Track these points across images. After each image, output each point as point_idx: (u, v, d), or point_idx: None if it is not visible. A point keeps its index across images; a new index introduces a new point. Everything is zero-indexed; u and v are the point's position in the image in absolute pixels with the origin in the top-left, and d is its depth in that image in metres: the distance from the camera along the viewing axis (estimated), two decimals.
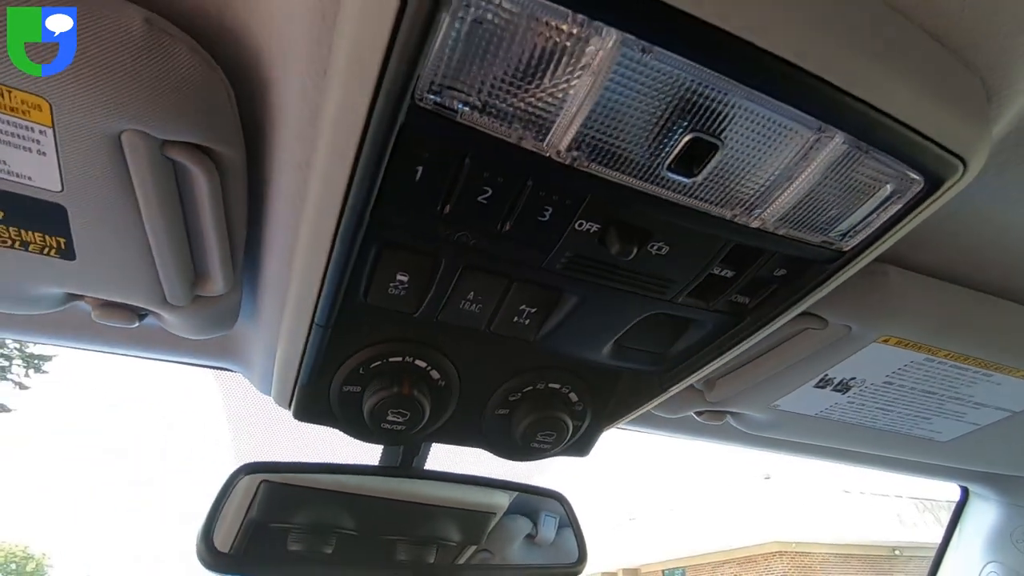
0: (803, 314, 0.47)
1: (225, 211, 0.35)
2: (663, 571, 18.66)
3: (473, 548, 0.70)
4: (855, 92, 0.26)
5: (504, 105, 0.26)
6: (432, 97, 0.25)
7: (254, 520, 0.58)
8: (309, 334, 0.39)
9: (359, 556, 0.63)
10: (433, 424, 0.49)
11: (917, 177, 0.30)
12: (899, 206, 0.31)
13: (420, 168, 0.29)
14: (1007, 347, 0.51)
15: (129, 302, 0.40)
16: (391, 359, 0.45)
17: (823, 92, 0.26)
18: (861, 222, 0.32)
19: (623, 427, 0.70)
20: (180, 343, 0.54)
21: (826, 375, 0.52)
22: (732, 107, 0.26)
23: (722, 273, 0.36)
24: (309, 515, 0.64)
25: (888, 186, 0.30)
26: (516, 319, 0.39)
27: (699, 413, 0.61)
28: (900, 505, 15.27)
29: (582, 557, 0.69)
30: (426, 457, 0.66)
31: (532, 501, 0.76)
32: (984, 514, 0.92)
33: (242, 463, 0.57)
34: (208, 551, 0.51)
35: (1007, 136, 0.34)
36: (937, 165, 0.29)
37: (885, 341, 0.48)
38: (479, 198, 0.30)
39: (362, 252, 0.33)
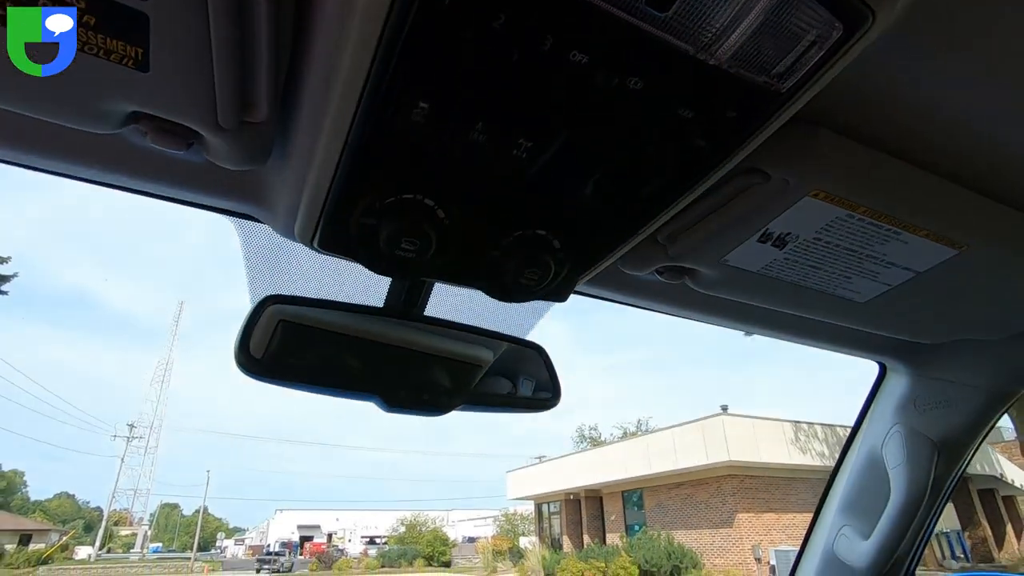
0: (750, 170, 0.56)
1: (274, 32, 0.41)
2: (622, 492, 20.07)
3: (459, 392, 0.81)
4: None
5: None
6: None
7: (273, 352, 0.67)
8: (341, 158, 0.47)
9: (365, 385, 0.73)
10: (437, 260, 0.58)
11: (837, 23, 0.38)
12: (823, 51, 0.39)
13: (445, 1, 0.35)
14: (915, 209, 0.61)
15: (184, 122, 0.46)
16: (404, 196, 0.53)
17: None
18: (795, 63, 0.40)
19: (599, 294, 0.81)
20: (211, 184, 0.60)
21: (767, 229, 0.62)
22: None
23: (685, 114, 0.44)
24: (319, 354, 0.74)
25: (814, 31, 0.38)
26: (515, 152, 0.47)
27: (660, 272, 0.72)
28: (840, 434, 16.48)
29: (556, 394, 0.82)
30: (424, 306, 0.75)
31: (512, 364, 0.87)
32: (896, 386, 1.07)
33: (267, 295, 0.66)
34: (245, 359, 0.61)
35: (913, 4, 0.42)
36: (852, 14, 0.37)
37: (815, 195, 0.57)
38: (495, 24, 0.37)
39: (395, 78, 0.40)
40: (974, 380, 0.96)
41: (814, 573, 1.15)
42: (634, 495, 19.47)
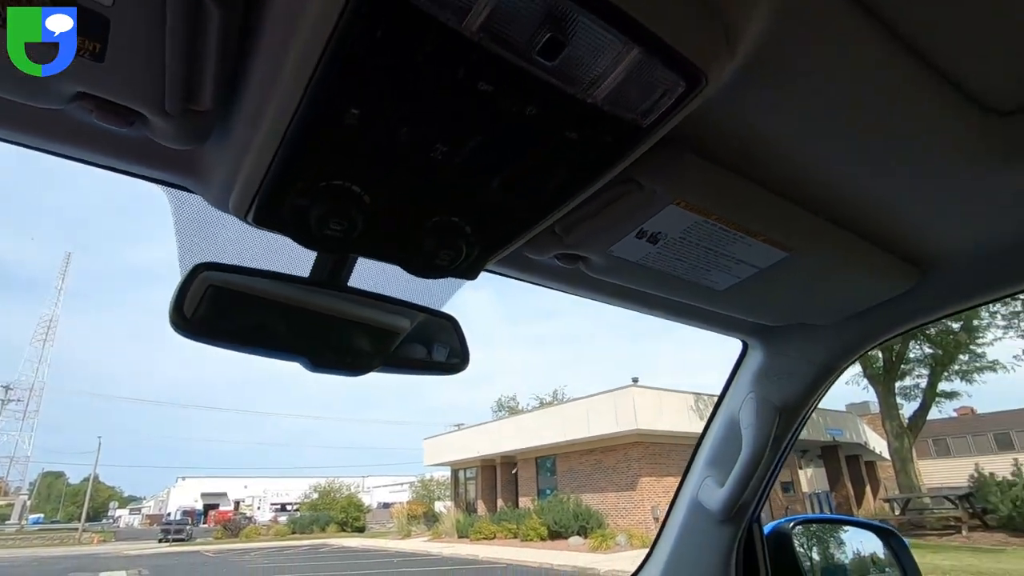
0: (627, 179, 0.68)
1: (224, 38, 0.47)
2: (537, 458, 20.96)
3: (379, 355, 0.90)
4: (648, 25, 0.44)
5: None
6: None
7: (205, 315, 0.72)
8: (279, 147, 0.53)
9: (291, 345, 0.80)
10: (361, 238, 0.65)
11: (681, 81, 0.49)
12: (672, 99, 0.51)
13: (379, 32, 0.43)
14: (755, 218, 0.76)
15: (132, 105, 0.51)
16: (334, 182, 0.60)
17: (628, 19, 0.43)
18: (652, 106, 0.52)
19: (506, 273, 0.92)
20: (148, 157, 0.64)
21: (642, 228, 0.75)
22: (576, 22, 0.43)
23: (571, 135, 0.55)
24: (249, 317, 0.80)
25: (664, 85, 0.50)
26: (433, 154, 0.56)
27: (558, 257, 0.83)
28: None
29: (465, 360, 0.92)
30: (348, 277, 0.83)
31: (428, 331, 0.96)
32: (753, 361, 1.28)
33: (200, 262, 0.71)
34: (179, 320, 0.66)
35: (744, 67, 0.54)
36: (691, 76, 0.49)
37: (678, 204, 0.70)
38: (417, 56, 0.45)
39: (331, 88, 0.47)
40: (810, 356, 1.18)
41: (682, 516, 1.36)
42: (548, 461, 20.37)
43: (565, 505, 17.38)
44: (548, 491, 19.80)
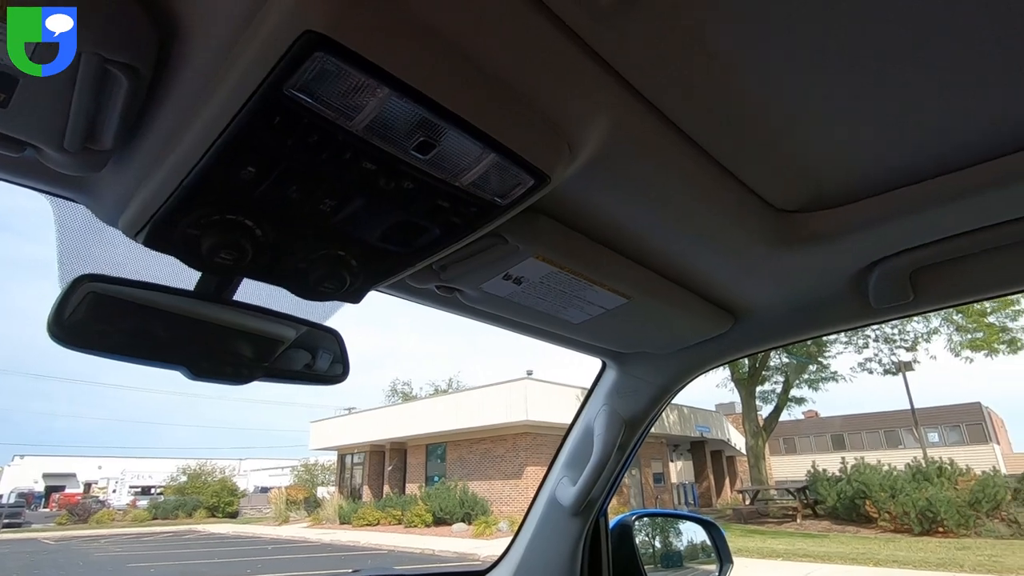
0: (496, 234, 0.80)
1: (131, 97, 0.51)
2: (427, 445, 21.04)
3: (261, 364, 0.95)
4: (501, 141, 0.55)
5: (332, 102, 0.49)
6: (301, 95, 0.48)
7: (83, 324, 0.74)
8: (176, 190, 0.58)
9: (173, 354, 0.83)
10: (252, 265, 0.71)
11: (529, 178, 0.62)
12: (524, 190, 0.63)
13: (278, 117, 0.50)
14: (599, 272, 0.91)
15: (30, 141, 0.53)
16: (228, 216, 0.66)
17: (486, 135, 0.54)
18: (508, 192, 0.64)
19: (390, 293, 1.00)
20: (40, 173, 0.65)
21: (508, 273, 0.87)
22: (445, 132, 0.54)
23: (443, 204, 0.65)
24: (130, 326, 0.82)
25: (517, 179, 0.62)
26: (322, 206, 0.64)
27: (438, 287, 0.94)
28: None
29: (346, 371, 1.00)
30: (234, 292, 0.87)
31: (313, 340, 1.03)
32: (608, 378, 1.47)
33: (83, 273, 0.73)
34: (58, 330, 0.68)
35: (587, 164, 0.68)
36: (537, 175, 0.61)
37: (537, 257, 0.83)
38: (310, 139, 0.53)
39: (232, 151, 0.53)
40: (651, 379, 1.39)
41: (541, 509, 1.53)
42: (438, 448, 20.51)
43: (452, 492, 17.63)
44: (436, 478, 19.95)
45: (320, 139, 0.52)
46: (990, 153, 0.76)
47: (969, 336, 15.97)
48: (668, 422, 21.01)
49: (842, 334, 18.84)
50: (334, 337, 1.00)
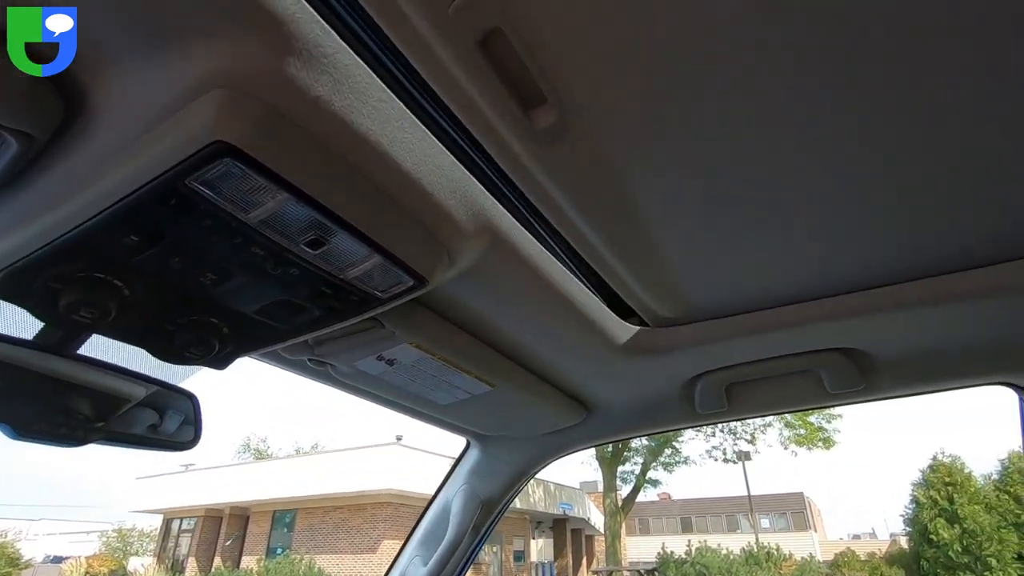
0: (374, 319, 0.84)
1: (19, 157, 0.51)
2: (274, 511, 18.94)
3: (100, 425, 0.88)
4: (386, 247, 0.62)
5: (231, 198, 0.53)
6: (202, 188, 0.51)
7: None
8: (47, 245, 0.57)
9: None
10: (112, 324, 0.69)
11: (410, 280, 0.69)
12: (405, 288, 0.70)
13: (174, 200, 0.53)
14: (467, 360, 0.99)
15: None
16: (97, 275, 0.64)
17: (373, 241, 0.61)
18: (390, 288, 0.70)
19: (260, 360, 0.99)
20: None
21: (381, 354, 0.92)
22: (335, 233, 0.59)
23: (327, 291, 0.70)
24: None
25: (398, 278, 0.69)
26: (202, 279, 0.65)
27: (311, 360, 0.95)
28: None
29: (196, 438, 0.95)
30: (80, 344, 0.82)
31: (163, 398, 0.98)
32: (471, 457, 1.52)
33: None
34: None
35: (465, 271, 0.77)
36: (416, 278, 0.69)
37: (412, 344, 0.89)
38: (204, 222, 0.56)
39: (121, 220, 0.54)
40: (510, 462, 1.46)
41: None
42: (287, 516, 18.56)
43: (296, 567, 15.87)
44: (280, 550, 17.91)
45: (213, 224, 0.56)
46: (787, 299, 0.98)
47: (794, 432, 18.19)
48: (534, 499, 21.02)
49: None
50: (189, 400, 0.96)
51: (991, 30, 0.54)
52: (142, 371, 0.90)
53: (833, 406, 1.23)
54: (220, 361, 0.82)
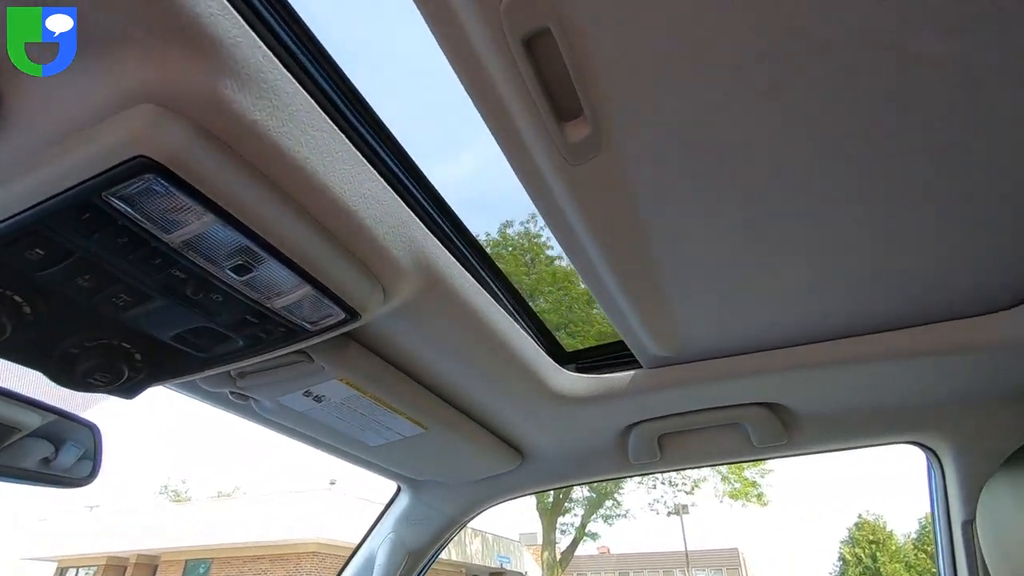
0: (303, 352, 0.81)
1: None
2: (187, 560, 17.34)
3: None
4: (318, 278, 0.61)
5: (152, 216, 0.51)
6: (120, 203, 0.49)
7: None
8: None
9: None
10: (6, 344, 0.63)
11: (342, 313, 0.67)
12: (335, 321, 0.69)
13: (88, 214, 0.50)
14: (400, 401, 0.96)
15: None
16: None
17: (304, 272, 0.60)
18: (320, 321, 0.68)
19: (175, 390, 0.93)
20: None
21: (309, 390, 0.88)
22: (264, 260, 0.58)
23: (252, 319, 0.67)
24: None
25: (329, 311, 0.67)
26: (115, 300, 0.61)
27: (232, 393, 0.90)
28: None
29: (94, 473, 0.87)
30: None
31: (62, 429, 0.90)
32: (400, 504, 1.45)
33: None
34: None
35: (402, 307, 0.76)
36: (348, 312, 0.67)
37: (341, 380, 0.86)
38: (120, 239, 0.53)
39: (27, 228, 0.51)
40: (441, 508, 1.41)
41: None
42: (201, 565, 17.00)
43: None
44: None
45: (130, 242, 0.53)
46: (717, 353, 1.01)
47: (730, 486, 18.50)
48: (470, 550, 20.22)
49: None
50: (90, 431, 0.88)
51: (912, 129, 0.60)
52: (39, 398, 0.83)
53: (759, 460, 1.27)
54: (128, 390, 0.76)
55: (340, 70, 0.60)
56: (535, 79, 0.54)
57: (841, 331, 0.95)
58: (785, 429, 1.13)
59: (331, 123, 0.56)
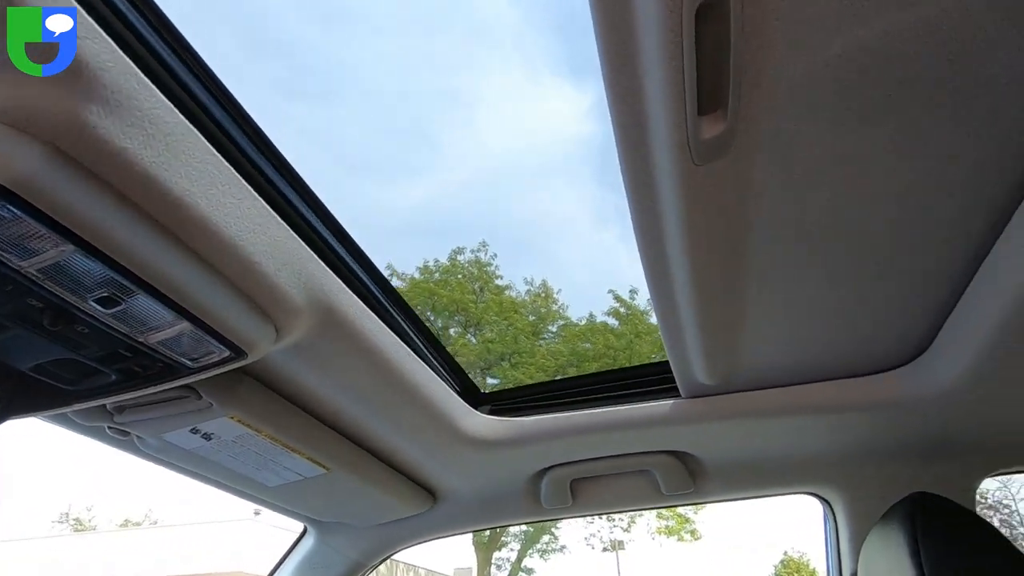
0: (188, 387, 0.77)
1: None
2: None
3: None
4: (196, 314, 0.58)
5: (2, 242, 0.47)
6: None
7: None
8: None
9: None
10: None
11: (226, 351, 0.64)
12: (221, 358, 0.65)
13: None
14: (299, 441, 0.92)
15: None
16: None
17: (180, 307, 0.56)
18: (202, 358, 0.65)
19: (45, 421, 0.85)
20: None
21: (196, 427, 0.83)
22: (134, 294, 0.54)
23: (125, 353, 0.63)
24: None
25: (212, 348, 0.64)
26: None
27: (111, 428, 0.83)
28: None
29: None
30: None
31: None
32: (305, 546, 1.37)
33: None
34: None
35: (300, 344, 0.73)
36: (234, 349, 0.64)
37: (232, 418, 0.82)
38: None
39: None
40: (346, 552, 1.34)
41: None
42: None
43: None
44: None
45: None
46: (628, 399, 1.02)
47: (664, 523, 18.71)
48: None
49: None
50: None
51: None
52: None
53: (667, 507, 1.29)
54: None
55: (233, 98, 0.59)
56: (694, 58, 0.46)
57: (748, 384, 0.98)
58: (692, 477, 1.15)
59: (216, 153, 0.54)
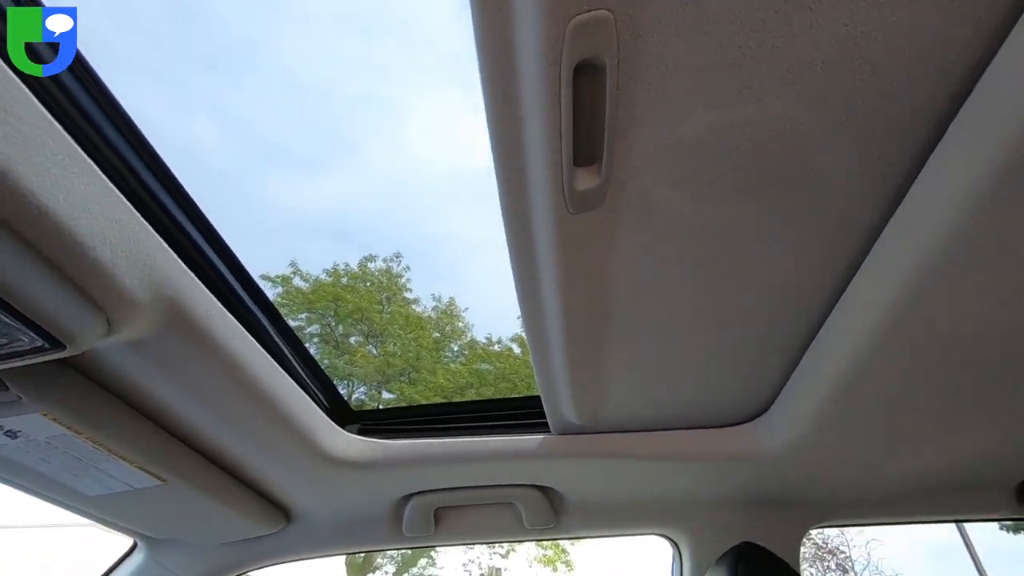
0: None
1: None
2: None
3: None
4: (8, 301, 0.50)
5: None
6: None
7: None
8: None
9: None
10: None
11: (42, 342, 0.56)
12: (31, 347, 0.57)
13: None
14: (128, 447, 0.82)
15: None
16: None
17: None
18: (8, 345, 0.57)
19: None
20: None
21: (0, 423, 0.72)
22: None
23: None
24: None
25: (28, 338, 0.56)
26: None
27: None
28: None
29: None
30: None
31: None
32: (133, 562, 1.22)
33: None
34: None
35: (140, 340, 0.65)
36: (53, 341, 0.56)
37: (45, 415, 0.72)
38: None
39: None
40: (184, 573, 1.21)
41: None
42: None
43: None
44: None
45: None
46: (493, 431, 1.02)
47: (543, 552, 18.92)
48: None
49: None
50: None
51: None
52: None
53: (527, 540, 1.30)
54: None
55: (89, 66, 0.53)
56: (571, 111, 0.48)
57: (612, 426, 1.02)
58: (554, 512, 1.17)
59: (47, 114, 0.47)
